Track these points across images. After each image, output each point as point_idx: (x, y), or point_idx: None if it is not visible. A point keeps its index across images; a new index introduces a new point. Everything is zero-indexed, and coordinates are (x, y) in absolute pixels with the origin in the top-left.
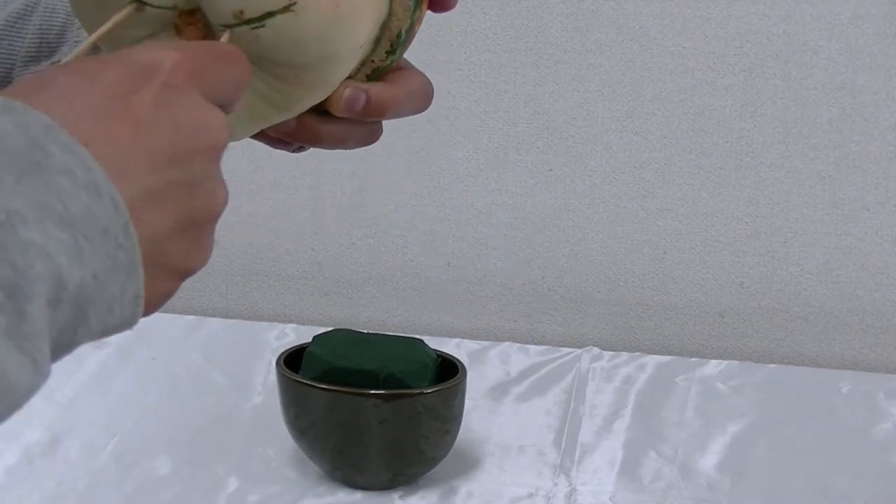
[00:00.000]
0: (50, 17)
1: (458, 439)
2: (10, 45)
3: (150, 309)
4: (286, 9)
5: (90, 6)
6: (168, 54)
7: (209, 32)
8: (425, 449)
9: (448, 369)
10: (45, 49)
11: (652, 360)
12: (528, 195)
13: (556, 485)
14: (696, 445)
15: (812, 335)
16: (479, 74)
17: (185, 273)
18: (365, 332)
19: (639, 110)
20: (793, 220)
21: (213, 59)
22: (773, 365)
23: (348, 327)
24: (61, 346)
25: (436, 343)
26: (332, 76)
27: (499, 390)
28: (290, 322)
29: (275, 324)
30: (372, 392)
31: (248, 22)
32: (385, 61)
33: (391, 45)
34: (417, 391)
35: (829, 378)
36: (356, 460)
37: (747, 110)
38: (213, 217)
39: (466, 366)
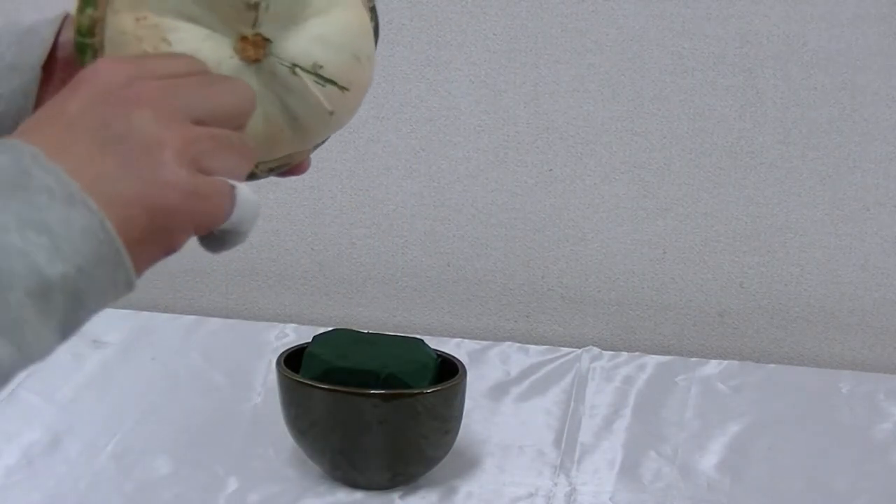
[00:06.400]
0: None
1: (458, 439)
2: None
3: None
4: (343, 88)
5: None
6: (171, 135)
7: (260, 53)
8: (425, 449)
9: (448, 369)
10: None
11: (652, 360)
12: (528, 195)
13: (556, 485)
14: (696, 445)
15: (812, 335)
16: (479, 74)
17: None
18: (365, 332)
19: (639, 110)
20: (793, 220)
21: (221, 146)
22: (773, 365)
23: (348, 327)
24: (69, 327)
25: (436, 343)
26: (313, 143)
27: (499, 390)
28: (290, 322)
29: (275, 324)
30: (372, 392)
31: (318, 76)
32: None
33: None
34: (417, 391)
35: (829, 378)
36: (356, 460)
37: (747, 110)
38: (148, 149)
39: (466, 366)
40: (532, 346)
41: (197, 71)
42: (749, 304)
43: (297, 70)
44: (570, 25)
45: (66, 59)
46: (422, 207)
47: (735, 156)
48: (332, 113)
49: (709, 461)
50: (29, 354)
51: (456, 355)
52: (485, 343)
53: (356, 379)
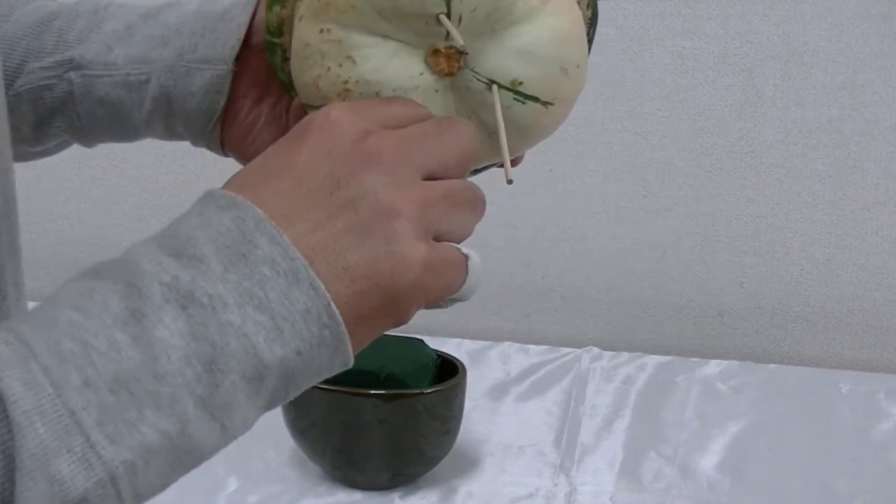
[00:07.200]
0: (71, 21)
1: (458, 439)
2: (28, 43)
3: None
4: (547, 103)
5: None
6: (406, 200)
7: (454, 66)
8: (425, 449)
9: (448, 369)
10: (62, 47)
11: (652, 360)
12: (528, 195)
13: (556, 485)
14: (696, 445)
15: (812, 335)
16: None
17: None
18: None
19: (639, 110)
20: (793, 220)
21: (455, 205)
22: (773, 365)
23: None
24: (274, 404)
25: (436, 343)
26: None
27: (499, 390)
28: None
29: None
30: (372, 392)
31: (518, 93)
32: None
33: None
34: (417, 391)
35: (829, 378)
36: (356, 460)
37: (747, 110)
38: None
39: (466, 366)
40: (532, 346)
41: (422, 116)
42: (749, 304)
43: (495, 87)
44: None
45: (261, 44)
46: None
47: (735, 156)
48: (532, 130)
49: (709, 461)
50: (232, 434)
51: (456, 355)
52: (485, 343)
53: (356, 379)
